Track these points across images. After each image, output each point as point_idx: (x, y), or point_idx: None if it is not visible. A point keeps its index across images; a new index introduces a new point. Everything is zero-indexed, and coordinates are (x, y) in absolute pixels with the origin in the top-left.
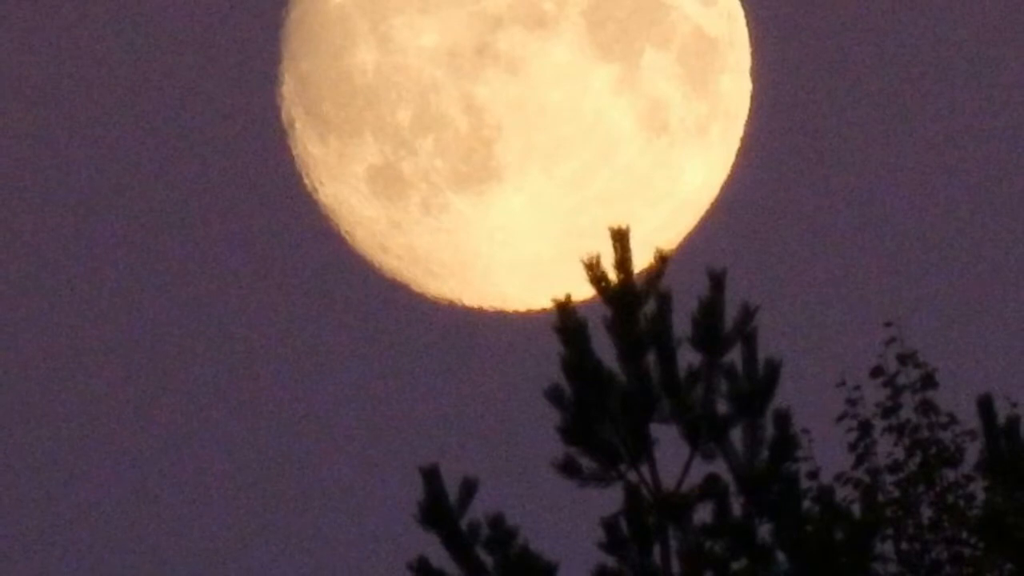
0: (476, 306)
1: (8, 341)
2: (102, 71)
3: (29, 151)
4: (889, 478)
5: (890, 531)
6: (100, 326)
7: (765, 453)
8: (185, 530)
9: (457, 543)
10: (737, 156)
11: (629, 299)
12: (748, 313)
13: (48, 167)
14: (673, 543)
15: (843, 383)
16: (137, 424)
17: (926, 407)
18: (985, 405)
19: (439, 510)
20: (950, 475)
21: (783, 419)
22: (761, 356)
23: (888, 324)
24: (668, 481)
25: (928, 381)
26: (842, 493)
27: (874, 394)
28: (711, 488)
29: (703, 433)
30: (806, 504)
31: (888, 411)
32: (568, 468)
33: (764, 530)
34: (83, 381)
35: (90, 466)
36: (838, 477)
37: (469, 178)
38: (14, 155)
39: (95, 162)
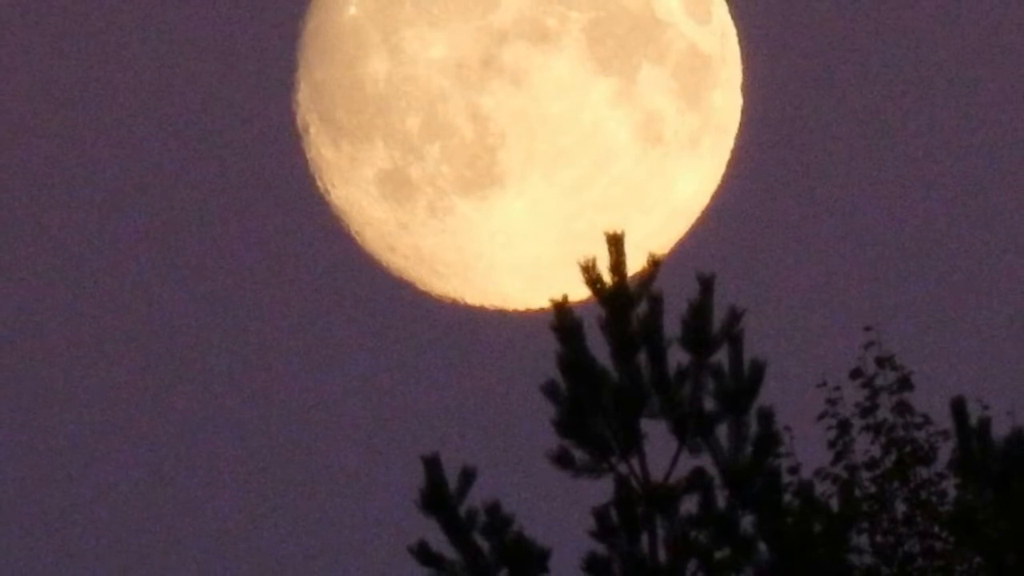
0: (478, 305)
1: (34, 331)
2: (127, 76)
3: (56, 151)
4: (866, 474)
5: (866, 524)
6: (122, 318)
7: (749, 449)
8: (199, 512)
9: (456, 529)
10: (727, 167)
11: (623, 301)
12: (735, 316)
13: (74, 166)
14: (660, 532)
15: (824, 384)
16: (156, 411)
17: (902, 408)
18: (958, 407)
19: (439, 497)
20: (924, 473)
21: (766, 417)
22: (747, 357)
23: (867, 328)
24: (656, 473)
25: (904, 383)
26: (821, 488)
27: (853, 395)
28: (697, 481)
29: (690, 429)
30: (787, 497)
31: (866, 411)
32: (562, 459)
33: (747, 521)
34: (105, 369)
35: (110, 450)
36: (817, 473)
37: (473, 183)
38: (42, 154)
39: (120, 162)
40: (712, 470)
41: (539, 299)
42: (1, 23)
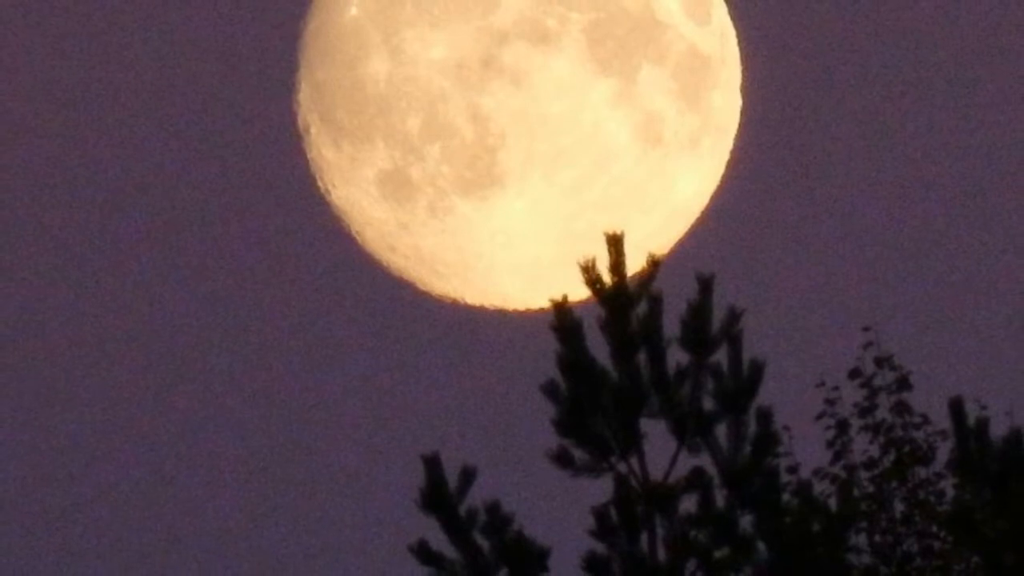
0: (478, 305)
1: (34, 331)
2: (128, 77)
3: (57, 151)
4: (864, 474)
5: (864, 524)
6: (123, 317)
7: (748, 448)
8: (199, 511)
9: (456, 528)
10: (727, 168)
11: (622, 301)
12: (734, 316)
13: (75, 167)
14: (660, 531)
15: (822, 384)
16: (156, 411)
17: (900, 408)
18: (956, 407)
19: (439, 496)
20: (922, 472)
21: (765, 417)
22: (746, 357)
23: (866, 329)
24: (656, 473)
25: (903, 383)
26: (820, 487)
27: (851, 394)
28: (696, 480)
29: (690, 428)
30: (785, 497)
31: (864, 411)
32: (562, 459)
33: (746, 521)
34: (105, 369)
35: (111, 449)
36: (816, 472)
37: (473, 183)
38: (43, 154)
39: (121, 162)
40: (711, 469)
41: (539, 299)
42: (1, 23)
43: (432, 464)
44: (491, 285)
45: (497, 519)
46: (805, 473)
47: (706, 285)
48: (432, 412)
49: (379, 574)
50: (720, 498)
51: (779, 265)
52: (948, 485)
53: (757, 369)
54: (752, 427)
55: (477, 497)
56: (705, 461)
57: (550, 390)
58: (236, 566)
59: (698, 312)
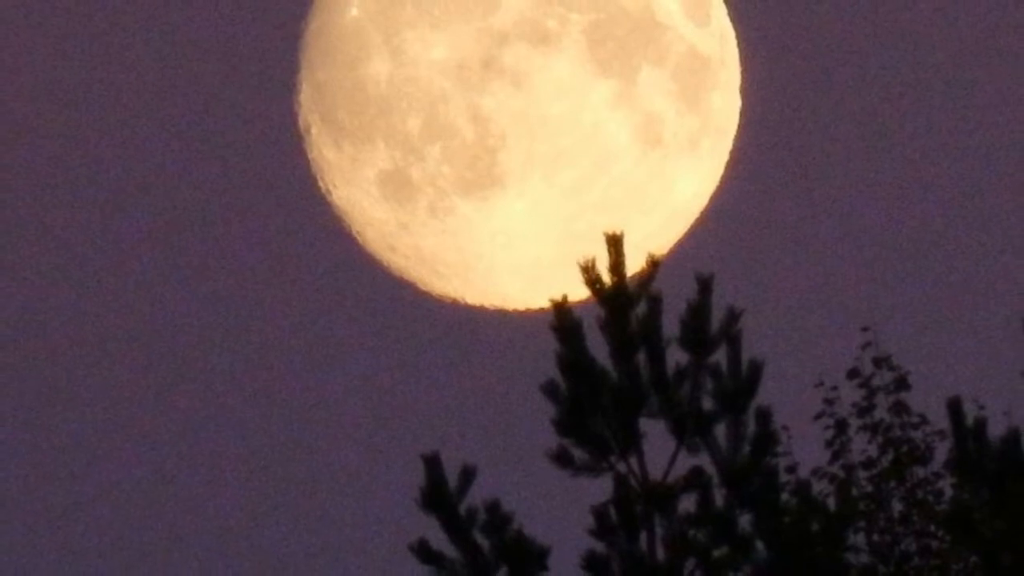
0: (478, 305)
1: (36, 330)
2: (129, 77)
3: (59, 151)
4: (863, 474)
5: (863, 524)
6: (124, 317)
7: (747, 448)
8: (200, 511)
9: (456, 527)
10: (726, 169)
11: (622, 301)
12: (733, 316)
13: (77, 167)
14: (659, 531)
15: (821, 384)
16: (157, 410)
17: (899, 408)
18: (954, 407)
19: (439, 495)
20: (920, 472)
21: (764, 416)
22: (745, 357)
23: (864, 329)
24: (655, 472)
25: (901, 383)
26: (818, 487)
27: (850, 394)
28: (695, 480)
29: (689, 428)
30: (784, 497)
31: (863, 411)
32: (561, 458)
33: (744, 520)
34: (107, 369)
35: (112, 449)
36: (815, 472)
37: (474, 184)
38: (44, 155)
39: (122, 163)
40: (710, 469)
41: (539, 299)
42: (2, 23)
43: (432, 464)
44: (491, 285)
45: (497, 518)
46: (804, 473)
47: (705, 285)
48: (432, 412)
49: (379, 574)
50: (719, 497)
51: (778, 265)
52: (946, 485)
53: (756, 369)
54: (751, 427)
55: (477, 496)
56: (704, 461)
57: (550, 390)
58: (236, 566)
59: (697, 312)
